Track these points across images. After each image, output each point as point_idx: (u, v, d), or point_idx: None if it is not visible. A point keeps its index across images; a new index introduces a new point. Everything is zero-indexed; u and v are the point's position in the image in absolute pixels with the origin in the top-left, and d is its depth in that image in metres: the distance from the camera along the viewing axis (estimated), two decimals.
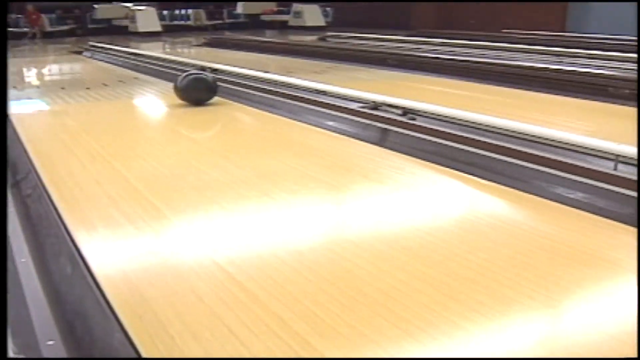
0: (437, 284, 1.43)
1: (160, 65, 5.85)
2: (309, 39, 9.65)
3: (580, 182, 2.08)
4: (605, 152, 2.20)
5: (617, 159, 2.13)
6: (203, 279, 1.47)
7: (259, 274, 1.48)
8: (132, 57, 6.96)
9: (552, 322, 1.32)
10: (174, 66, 5.60)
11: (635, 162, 2.11)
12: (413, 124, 2.78)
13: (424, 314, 1.29)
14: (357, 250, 1.66)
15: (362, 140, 2.81)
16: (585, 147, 2.30)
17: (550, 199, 2.01)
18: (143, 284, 1.46)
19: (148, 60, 6.39)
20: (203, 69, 5.08)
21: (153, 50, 8.54)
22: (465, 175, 2.26)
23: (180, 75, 3.89)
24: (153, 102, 4.37)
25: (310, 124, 3.17)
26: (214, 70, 4.93)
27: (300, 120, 3.25)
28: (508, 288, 1.40)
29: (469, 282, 1.45)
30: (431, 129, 2.67)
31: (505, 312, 1.30)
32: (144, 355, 1.18)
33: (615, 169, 2.10)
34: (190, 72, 4.01)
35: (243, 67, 5.03)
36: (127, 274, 1.52)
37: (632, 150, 2.12)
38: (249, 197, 2.05)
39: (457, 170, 2.32)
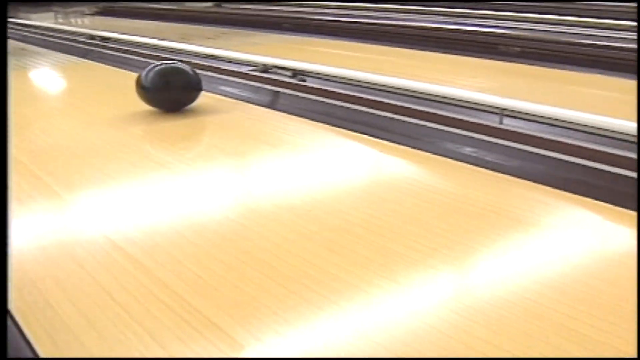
0: (322, 241, 1.43)
1: (50, 36, 5.67)
2: (204, 5, 9.51)
3: (468, 136, 2.10)
4: (491, 107, 2.23)
5: (502, 112, 2.16)
6: (85, 247, 1.43)
7: (142, 240, 1.45)
8: (20, 27, 6.73)
9: (442, 276, 1.31)
10: (65, 36, 5.44)
11: (521, 115, 2.16)
12: (303, 86, 2.77)
13: (309, 271, 1.29)
14: (246, 213, 1.65)
15: (253, 103, 2.79)
16: (473, 102, 2.33)
17: (440, 154, 2.03)
18: (25, 256, 1.41)
19: (36, 31, 6.18)
20: (93, 37, 4.96)
21: (43, 20, 8.28)
22: (356, 134, 2.26)
23: (147, 67, 2.67)
24: (40, 73, 4.24)
25: (202, 89, 3.12)
26: (105, 39, 4.81)
27: None
28: (392, 242, 1.41)
29: (354, 237, 1.45)
30: (321, 89, 2.67)
31: (387, 264, 1.31)
32: (22, 325, 1.15)
33: (500, 123, 2.13)
34: (161, 62, 2.75)
35: (135, 35, 4.92)
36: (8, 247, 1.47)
37: (516, 104, 2.16)
38: (138, 164, 2.01)
39: (348, 129, 2.31)
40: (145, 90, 2.61)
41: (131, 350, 1.06)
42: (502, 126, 2.09)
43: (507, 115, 2.16)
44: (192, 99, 2.67)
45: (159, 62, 2.70)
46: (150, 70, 2.60)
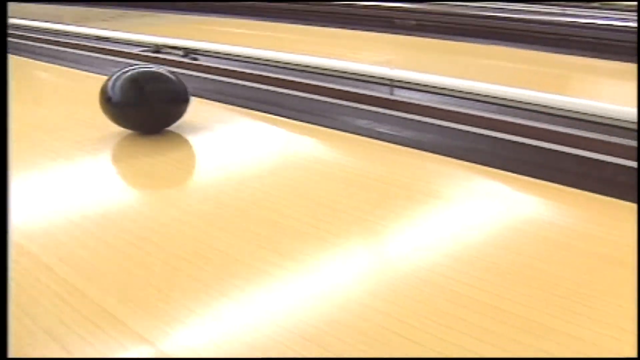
0: (214, 219, 1.41)
1: None
2: None
3: (361, 109, 2.10)
4: (382, 78, 2.25)
5: (392, 83, 2.18)
6: None
7: (30, 226, 1.41)
8: None
9: (348, 253, 1.27)
10: None
11: (412, 86, 2.18)
12: (196, 64, 2.74)
13: (204, 252, 1.25)
14: (139, 196, 1.62)
15: None
16: (365, 75, 2.34)
17: (334, 128, 2.03)
18: None
19: None
20: None
21: None
22: (251, 111, 2.25)
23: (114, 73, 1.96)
24: None
25: (94, 72, 3.05)
26: None
27: (86, 70, 3.12)
28: (290, 219, 1.40)
29: (249, 215, 1.43)
30: (214, 67, 2.64)
31: (289, 243, 1.29)
32: None
33: (391, 94, 2.15)
34: (130, 67, 2.00)
35: (24, 18, 4.78)
36: None
37: (405, 75, 2.19)
38: (28, 151, 1.95)
39: (243, 107, 2.30)
40: (114, 106, 1.96)
41: (25, 348, 1.00)
42: (393, 97, 2.11)
43: (398, 87, 2.18)
44: (179, 114, 2.02)
45: (130, 67, 2.00)
46: (118, 79, 1.94)
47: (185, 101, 1.98)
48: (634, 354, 0.94)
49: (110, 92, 1.91)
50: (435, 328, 1.00)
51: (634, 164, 1.57)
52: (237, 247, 1.27)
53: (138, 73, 1.96)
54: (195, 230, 1.36)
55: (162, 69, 2.03)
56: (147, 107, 1.95)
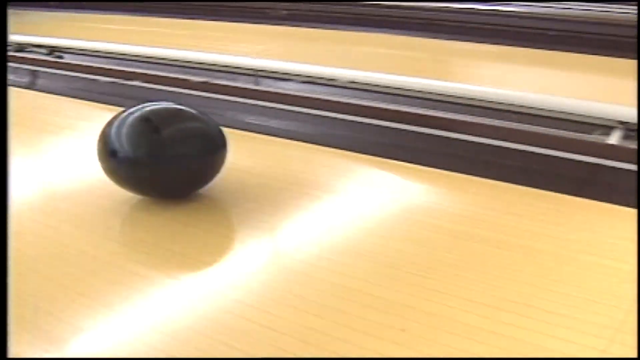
0: (74, 219, 1.38)
1: None
2: None
3: (229, 100, 2.11)
4: (248, 69, 2.26)
5: (257, 73, 2.20)
6: None
7: None
8: None
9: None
10: None
11: (277, 76, 2.20)
12: (61, 63, 2.70)
13: (61, 252, 1.23)
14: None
15: (11, 85, 2.66)
16: (230, 66, 2.35)
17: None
18: None
19: None
20: None
21: None
22: (120, 108, 2.20)
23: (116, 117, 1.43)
24: None
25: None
26: None
27: None
28: (148, 213, 1.39)
29: (102, 212, 1.40)
30: (80, 65, 2.61)
31: (151, 240, 1.28)
32: None
33: (256, 84, 2.17)
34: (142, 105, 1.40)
35: None
36: None
37: (269, 64, 2.21)
38: None
39: (110, 104, 2.25)
40: (124, 165, 1.37)
41: None
42: (258, 87, 2.13)
43: (264, 77, 2.20)
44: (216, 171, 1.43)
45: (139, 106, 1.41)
46: (123, 124, 1.35)
47: (222, 146, 1.40)
48: (481, 320, 0.99)
49: (115, 143, 1.32)
50: (298, 315, 1.00)
51: (515, 145, 1.64)
52: (103, 248, 1.24)
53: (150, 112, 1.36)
54: (59, 232, 1.32)
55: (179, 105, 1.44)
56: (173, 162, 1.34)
